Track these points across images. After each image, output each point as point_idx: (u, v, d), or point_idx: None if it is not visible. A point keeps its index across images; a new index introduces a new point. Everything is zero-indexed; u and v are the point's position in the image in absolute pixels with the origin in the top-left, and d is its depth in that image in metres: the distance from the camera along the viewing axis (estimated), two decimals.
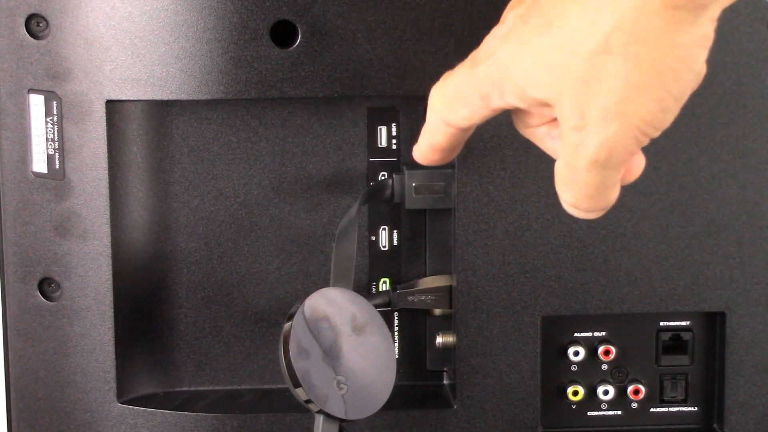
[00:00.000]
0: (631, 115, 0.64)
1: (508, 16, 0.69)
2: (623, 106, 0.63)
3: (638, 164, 0.71)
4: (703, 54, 0.63)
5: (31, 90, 0.80)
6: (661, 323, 0.85)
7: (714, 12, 0.63)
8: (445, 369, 0.88)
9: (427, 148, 0.74)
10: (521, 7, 0.68)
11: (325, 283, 0.85)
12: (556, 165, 0.68)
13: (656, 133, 0.65)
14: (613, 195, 0.68)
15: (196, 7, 0.78)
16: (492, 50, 0.68)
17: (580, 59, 0.63)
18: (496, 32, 0.69)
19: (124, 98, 0.79)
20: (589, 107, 0.64)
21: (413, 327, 0.87)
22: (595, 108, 0.64)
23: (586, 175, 0.66)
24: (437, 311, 0.86)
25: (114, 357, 0.82)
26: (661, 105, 0.64)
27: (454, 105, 0.71)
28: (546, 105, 0.66)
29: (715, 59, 0.80)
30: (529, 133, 0.73)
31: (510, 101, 0.68)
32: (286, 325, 0.76)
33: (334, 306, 0.77)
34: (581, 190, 0.67)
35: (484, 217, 0.81)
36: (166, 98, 0.79)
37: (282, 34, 0.79)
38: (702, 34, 0.63)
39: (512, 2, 0.71)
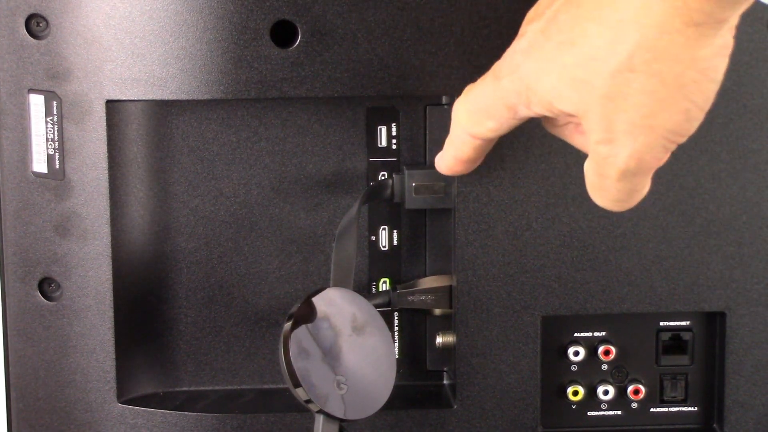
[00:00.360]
0: (658, 128, 0.65)
1: (527, 30, 0.70)
2: (649, 119, 0.64)
3: None
4: (723, 62, 0.64)
5: (31, 90, 0.80)
6: (661, 323, 0.85)
7: (733, 22, 0.63)
8: (445, 369, 0.88)
9: (452, 160, 0.77)
10: (540, 22, 0.69)
11: (325, 283, 0.85)
12: (585, 172, 0.69)
13: (683, 140, 0.66)
14: (643, 193, 0.69)
15: (196, 7, 0.78)
16: (515, 64, 0.70)
17: (605, 77, 0.64)
18: (517, 46, 0.70)
19: (124, 98, 0.79)
20: (615, 122, 0.65)
21: (413, 327, 0.87)
22: (622, 123, 0.65)
23: (617, 183, 0.68)
24: (437, 311, 0.86)
25: (114, 357, 0.82)
26: (686, 115, 0.65)
27: (479, 117, 0.72)
28: (573, 115, 0.67)
29: None
30: (557, 132, 0.74)
31: (537, 111, 0.69)
32: (286, 325, 0.76)
33: (334, 306, 0.77)
34: (612, 196, 0.69)
35: (484, 217, 0.81)
36: (166, 98, 0.79)
37: (282, 34, 0.79)
38: (722, 44, 0.63)
39: (529, 15, 0.72)
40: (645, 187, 0.69)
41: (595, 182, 0.69)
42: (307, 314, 0.76)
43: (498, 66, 0.71)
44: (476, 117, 0.73)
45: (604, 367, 0.85)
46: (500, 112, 0.71)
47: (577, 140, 0.73)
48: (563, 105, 0.67)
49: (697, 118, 0.65)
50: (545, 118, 0.73)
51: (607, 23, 0.64)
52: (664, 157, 0.67)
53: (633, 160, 0.66)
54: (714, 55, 0.63)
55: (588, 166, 0.69)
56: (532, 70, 0.68)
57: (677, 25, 0.62)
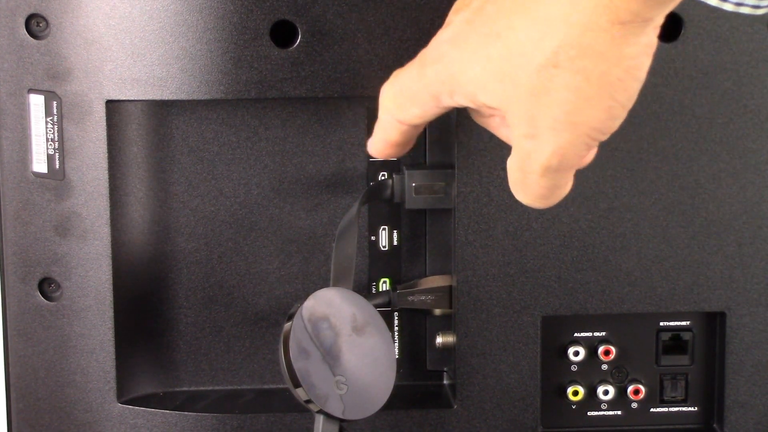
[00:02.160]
0: (581, 125, 0.65)
1: (454, 19, 0.70)
2: (573, 116, 0.65)
3: (591, 152, 0.72)
4: (647, 61, 0.65)
5: (31, 90, 0.80)
6: (661, 323, 0.85)
7: (658, 21, 0.63)
8: (445, 369, 0.88)
9: (382, 143, 0.76)
10: (467, 11, 0.69)
11: (325, 283, 0.85)
12: (508, 168, 0.69)
13: (605, 138, 0.67)
14: (566, 191, 0.70)
15: (196, 7, 0.78)
16: (440, 53, 0.70)
17: (529, 72, 0.64)
18: (442, 36, 0.70)
19: (124, 98, 0.79)
20: (539, 117, 0.65)
21: (413, 327, 0.87)
22: (546, 118, 0.65)
23: (540, 179, 0.68)
24: (437, 311, 0.86)
25: (114, 357, 0.82)
26: (609, 113, 0.65)
27: (405, 104, 0.73)
28: (497, 108, 0.67)
29: (715, 59, 0.80)
30: (483, 122, 0.74)
31: (460, 102, 0.69)
32: (286, 325, 0.76)
33: (334, 306, 0.77)
34: (535, 192, 0.69)
35: (484, 217, 0.81)
36: (166, 98, 0.79)
37: (282, 34, 0.79)
38: (647, 43, 0.64)
39: (456, 5, 0.72)
40: (567, 184, 0.69)
41: (518, 178, 0.69)
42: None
43: (423, 54, 0.71)
44: (401, 103, 0.73)
45: (604, 367, 0.85)
46: (424, 100, 0.71)
47: (502, 133, 0.73)
48: (486, 98, 0.67)
49: (620, 116, 0.66)
50: (471, 109, 0.73)
51: (534, 18, 0.64)
52: (586, 155, 0.67)
53: (556, 156, 0.66)
54: (639, 54, 0.64)
55: (511, 162, 0.69)
56: (457, 60, 0.68)
57: (603, 23, 0.62)
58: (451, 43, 0.69)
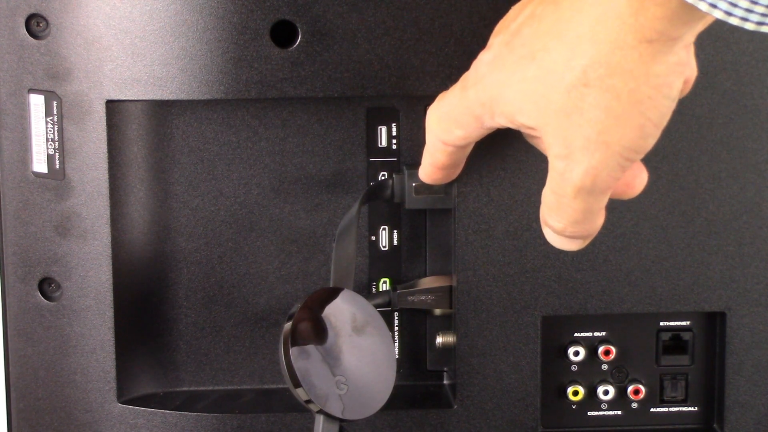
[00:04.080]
0: (613, 144, 0.65)
1: (494, 42, 0.71)
2: (605, 135, 0.65)
3: (641, 180, 0.72)
4: (679, 80, 0.65)
5: (31, 90, 0.80)
6: (661, 323, 0.85)
7: (688, 40, 0.64)
8: (445, 369, 0.88)
9: (430, 167, 0.78)
10: (505, 35, 0.70)
11: (325, 283, 0.85)
12: (543, 192, 0.69)
13: (639, 157, 0.67)
14: (599, 221, 0.70)
15: (196, 7, 0.78)
16: (480, 75, 0.71)
17: (561, 92, 0.65)
18: (483, 57, 0.71)
19: (124, 98, 0.79)
20: (572, 137, 0.66)
21: (413, 327, 0.87)
22: (578, 138, 0.65)
23: (573, 201, 0.68)
24: (437, 311, 0.86)
25: (114, 357, 0.82)
26: (641, 132, 0.65)
27: (449, 126, 0.74)
28: (533, 128, 0.68)
29: (715, 59, 0.80)
30: (535, 144, 0.75)
31: (501, 123, 0.70)
32: (286, 325, 0.76)
33: (334, 306, 0.77)
34: (568, 216, 0.69)
35: (484, 217, 0.81)
36: (166, 98, 0.79)
37: (282, 34, 0.79)
38: (676, 61, 0.64)
39: (497, 28, 0.73)
40: (601, 211, 0.69)
41: (551, 202, 0.69)
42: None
43: (465, 76, 0.73)
44: (446, 125, 0.74)
45: (604, 367, 0.85)
46: (467, 122, 0.72)
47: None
48: (523, 118, 0.68)
49: (653, 134, 0.66)
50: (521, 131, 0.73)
51: (565, 38, 0.65)
52: (620, 176, 0.67)
53: (588, 176, 0.67)
54: (668, 72, 0.64)
55: (545, 187, 0.69)
56: (495, 82, 0.69)
57: (630, 41, 0.63)
58: (491, 65, 0.70)
